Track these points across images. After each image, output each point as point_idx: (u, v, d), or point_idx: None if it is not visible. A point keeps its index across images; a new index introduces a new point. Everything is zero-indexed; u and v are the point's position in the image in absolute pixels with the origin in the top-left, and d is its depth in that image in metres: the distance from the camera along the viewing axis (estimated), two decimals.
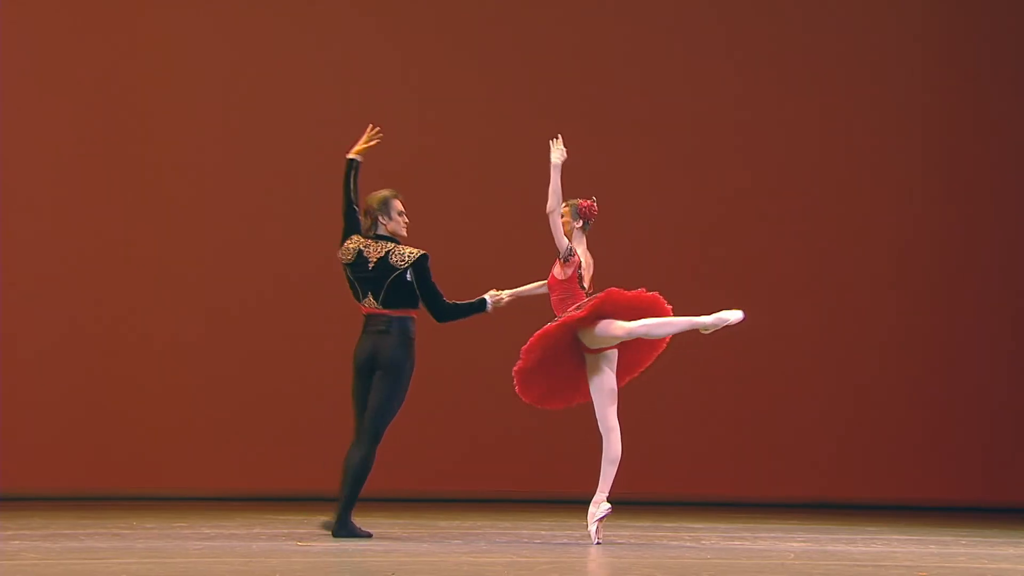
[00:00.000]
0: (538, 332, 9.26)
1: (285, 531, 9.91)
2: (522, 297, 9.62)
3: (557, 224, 9.33)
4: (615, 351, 9.36)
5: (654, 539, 9.96)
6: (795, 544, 9.63)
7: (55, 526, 10.10)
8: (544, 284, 9.56)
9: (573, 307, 9.29)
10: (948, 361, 14.80)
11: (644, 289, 9.35)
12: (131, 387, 14.12)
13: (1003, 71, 14.91)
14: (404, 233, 9.46)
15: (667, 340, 9.46)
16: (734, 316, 9.21)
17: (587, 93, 14.74)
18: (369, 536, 9.31)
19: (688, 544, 9.54)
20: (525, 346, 9.27)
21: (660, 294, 9.37)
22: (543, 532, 10.21)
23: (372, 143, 9.73)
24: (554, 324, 9.26)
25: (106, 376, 14.10)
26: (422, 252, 9.32)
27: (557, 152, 9.39)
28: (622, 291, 9.26)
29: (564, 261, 9.38)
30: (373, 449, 9.44)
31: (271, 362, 14.38)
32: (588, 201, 9.49)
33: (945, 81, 14.98)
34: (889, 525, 11.87)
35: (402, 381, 9.35)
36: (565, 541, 9.56)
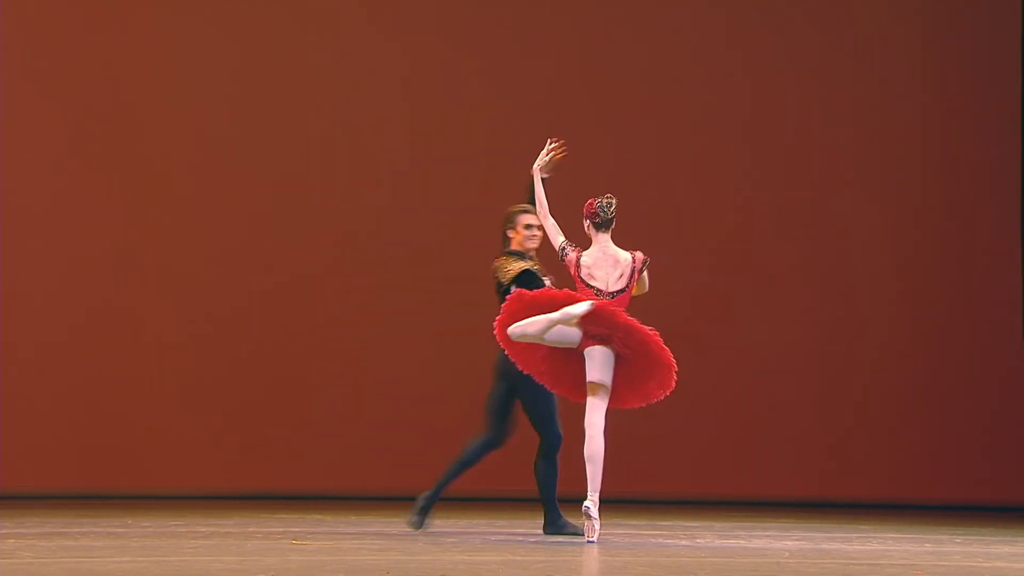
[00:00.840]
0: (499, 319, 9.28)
1: (281, 530, 9.90)
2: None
3: (547, 228, 9.35)
4: (606, 352, 9.27)
5: (649, 538, 9.95)
6: (791, 543, 9.63)
7: (51, 524, 10.09)
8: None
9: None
10: (944, 360, 14.80)
11: (551, 286, 9.36)
12: (126, 387, 14.11)
13: (999, 74, 14.90)
14: (531, 245, 9.59)
15: (670, 384, 9.39)
16: (579, 309, 9.17)
17: (587, 93, 14.74)
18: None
19: (684, 543, 9.54)
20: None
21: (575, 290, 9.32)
22: (538, 531, 10.20)
23: (557, 159, 9.60)
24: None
25: (101, 376, 14.09)
26: (520, 269, 9.45)
27: (537, 160, 9.45)
28: (525, 291, 9.29)
29: (560, 261, 9.39)
30: (546, 453, 9.62)
31: (267, 362, 14.38)
32: (591, 200, 9.47)
33: (943, 84, 14.98)
34: (885, 524, 11.87)
35: (533, 386, 9.45)
36: (560, 540, 9.55)
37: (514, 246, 9.60)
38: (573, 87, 14.74)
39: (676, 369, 9.17)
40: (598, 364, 9.21)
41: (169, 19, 14.38)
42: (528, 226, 9.56)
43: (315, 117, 14.55)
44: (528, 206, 9.58)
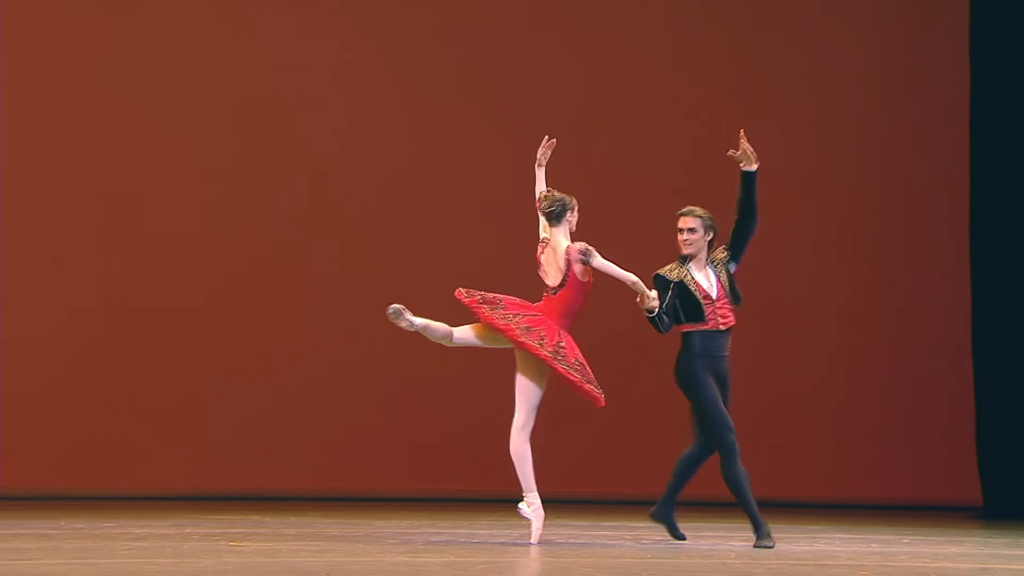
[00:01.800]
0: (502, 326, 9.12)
1: (218, 531, 9.77)
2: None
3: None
4: (531, 359, 9.17)
5: (594, 538, 9.88)
6: (737, 543, 9.59)
7: None
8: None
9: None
10: (891, 362, 14.83)
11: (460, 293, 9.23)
12: (53, 388, 13.96)
13: (945, 73, 14.91)
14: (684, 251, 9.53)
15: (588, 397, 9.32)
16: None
17: (585, 93, 14.71)
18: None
19: (628, 543, 9.48)
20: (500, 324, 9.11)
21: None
22: (481, 532, 10.13)
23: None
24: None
25: (32, 377, 13.93)
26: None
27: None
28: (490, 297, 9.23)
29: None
30: (720, 454, 9.55)
31: (209, 364, 14.26)
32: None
33: (894, 88, 15.02)
34: (832, 524, 11.87)
35: (688, 391, 9.51)
36: (503, 541, 9.48)
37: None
38: (569, 88, 14.69)
39: (576, 381, 9.03)
40: (530, 373, 9.15)
41: (165, 19, 14.34)
42: (679, 230, 9.40)
43: (324, 121, 14.52)
44: (689, 208, 9.40)
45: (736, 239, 9.49)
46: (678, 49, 14.91)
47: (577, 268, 9.14)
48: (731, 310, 9.41)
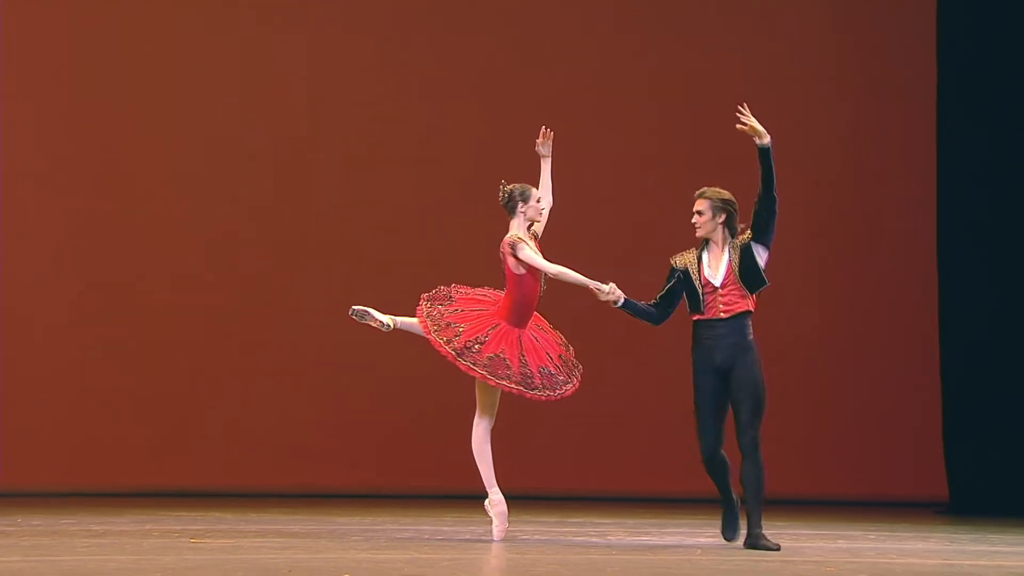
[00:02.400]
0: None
1: (179, 528, 9.68)
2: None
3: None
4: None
5: (559, 535, 9.84)
6: (703, 539, 9.57)
7: None
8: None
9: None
10: (854, 358, 14.81)
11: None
12: (4, 386, 13.86)
13: (911, 72, 14.91)
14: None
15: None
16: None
17: (579, 94, 14.65)
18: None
19: (594, 540, 9.44)
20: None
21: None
22: (445, 528, 10.07)
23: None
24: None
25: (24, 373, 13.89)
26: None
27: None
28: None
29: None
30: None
31: (164, 356, 14.17)
32: None
33: (858, 83, 15.01)
34: (798, 520, 11.86)
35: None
36: (468, 538, 9.42)
37: None
38: (563, 88, 14.62)
39: (480, 377, 9.01)
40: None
41: (164, 18, 14.26)
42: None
43: (324, 119, 14.46)
44: (701, 190, 9.22)
45: (756, 219, 9.13)
46: (634, 29, 14.89)
47: (509, 261, 9.09)
48: (742, 295, 9.10)
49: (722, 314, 9.02)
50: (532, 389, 9.08)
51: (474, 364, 8.99)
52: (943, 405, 14.10)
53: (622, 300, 9.03)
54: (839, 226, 14.94)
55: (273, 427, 14.18)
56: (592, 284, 8.98)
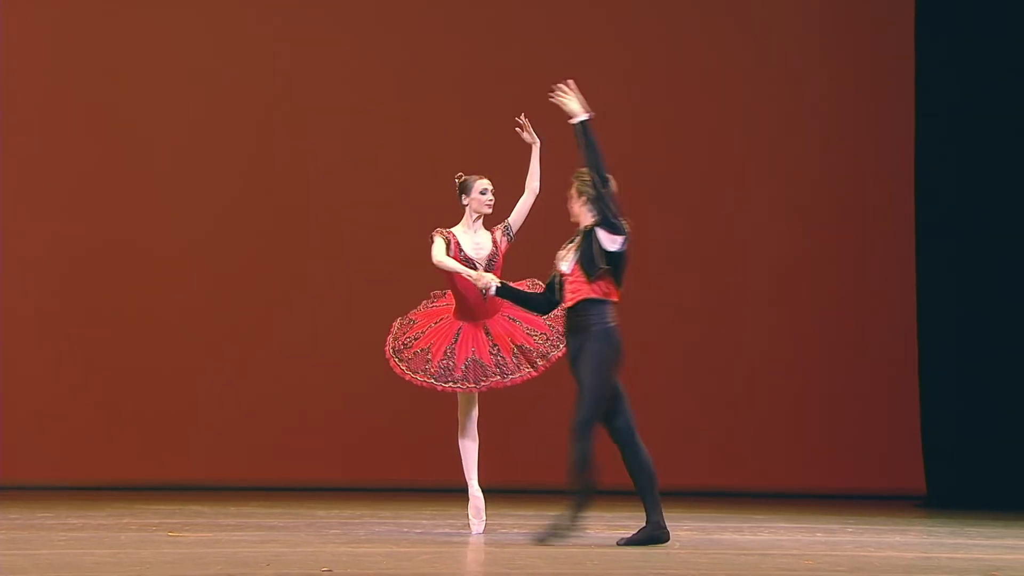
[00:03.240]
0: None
1: (157, 521, 9.65)
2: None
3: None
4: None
5: (538, 528, 9.80)
6: (682, 532, 9.54)
7: None
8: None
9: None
10: (833, 350, 14.80)
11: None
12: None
13: (889, 75, 14.89)
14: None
15: None
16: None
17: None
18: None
19: (573, 533, 9.38)
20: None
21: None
22: (424, 522, 10.06)
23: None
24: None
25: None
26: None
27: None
28: None
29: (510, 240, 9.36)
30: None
31: (142, 350, 14.12)
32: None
33: (837, 84, 14.99)
34: (776, 514, 11.85)
35: None
36: (447, 531, 9.40)
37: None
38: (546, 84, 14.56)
39: (399, 374, 9.21)
40: None
41: (164, 17, 14.17)
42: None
43: (326, 117, 14.38)
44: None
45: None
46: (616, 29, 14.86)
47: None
48: (584, 282, 8.57)
49: (568, 302, 8.66)
50: (447, 382, 9.13)
51: (399, 361, 9.19)
52: (921, 399, 14.11)
53: (493, 288, 8.93)
54: (814, 220, 14.93)
55: (252, 420, 14.13)
56: (465, 272, 9.07)
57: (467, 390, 9.22)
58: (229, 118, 14.30)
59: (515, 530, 9.58)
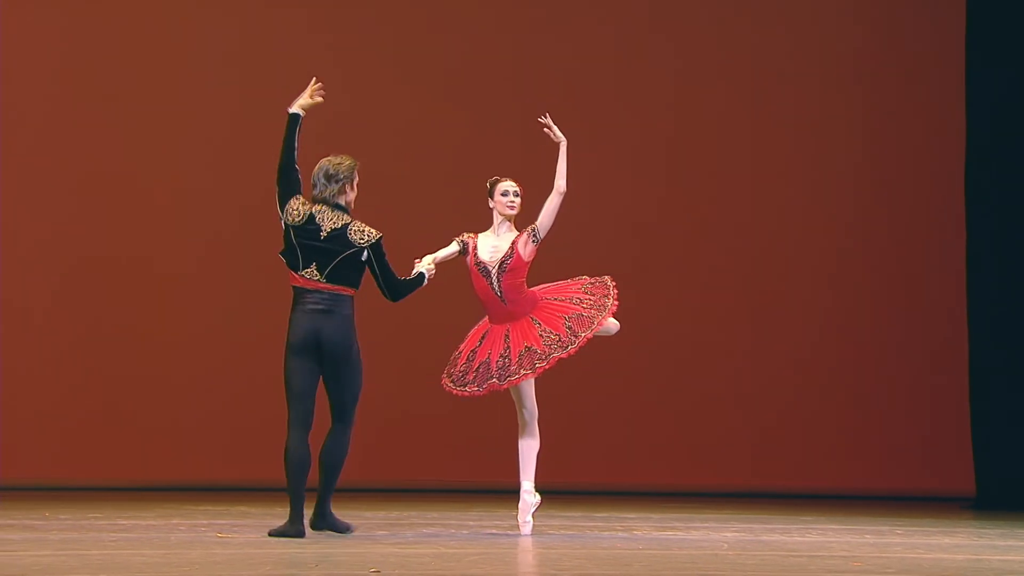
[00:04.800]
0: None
1: (205, 522, 9.69)
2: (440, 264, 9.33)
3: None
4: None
5: (585, 529, 9.82)
6: (729, 534, 9.52)
7: None
8: (455, 252, 9.34)
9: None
10: (883, 352, 14.75)
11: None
12: (33, 381, 13.85)
13: (940, 69, 14.82)
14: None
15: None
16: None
17: (576, 91, 14.60)
18: (349, 528, 8.91)
19: (620, 534, 9.41)
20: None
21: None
22: (471, 523, 10.06)
23: (316, 100, 9.33)
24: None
25: (13, 369, 13.84)
26: (380, 234, 8.84)
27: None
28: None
29: (535, 242, 9.26)
30: (349, 436, 9.03)
31: (183, 350, 14.17)
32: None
33: (885, 78, 14.92)
34: (825, 515, 11.81)
35: (358, 364, 8.81)
36: (493, 532, 9.41)
37: (346, 202, 8.90)
38: (556, 84, 14.57)
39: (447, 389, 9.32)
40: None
41: (164, 15, 14.21)
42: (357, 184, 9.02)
43: (322, 114, 14.32)
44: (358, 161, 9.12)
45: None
46: (654, 27, 14.82)
47: None
48: None
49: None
50: (463, 386, 9.22)
51: (453, 384, 9.36)
52: (971, 399, 14.03)
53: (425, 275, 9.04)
54: (864, 218, 14.87)
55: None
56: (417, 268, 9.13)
57: (473, 394, 9.26)
58: (230, 118, 14.25)
59: (563, 531, 9.58)
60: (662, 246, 14.72)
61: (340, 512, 9.11)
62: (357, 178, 8.96)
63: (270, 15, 14.51)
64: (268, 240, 14.33)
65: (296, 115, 9.07)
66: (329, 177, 8.85)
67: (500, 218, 9.36)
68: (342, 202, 8.85)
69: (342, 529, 8.86)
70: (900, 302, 14.80)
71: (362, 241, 8.75)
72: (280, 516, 9.95)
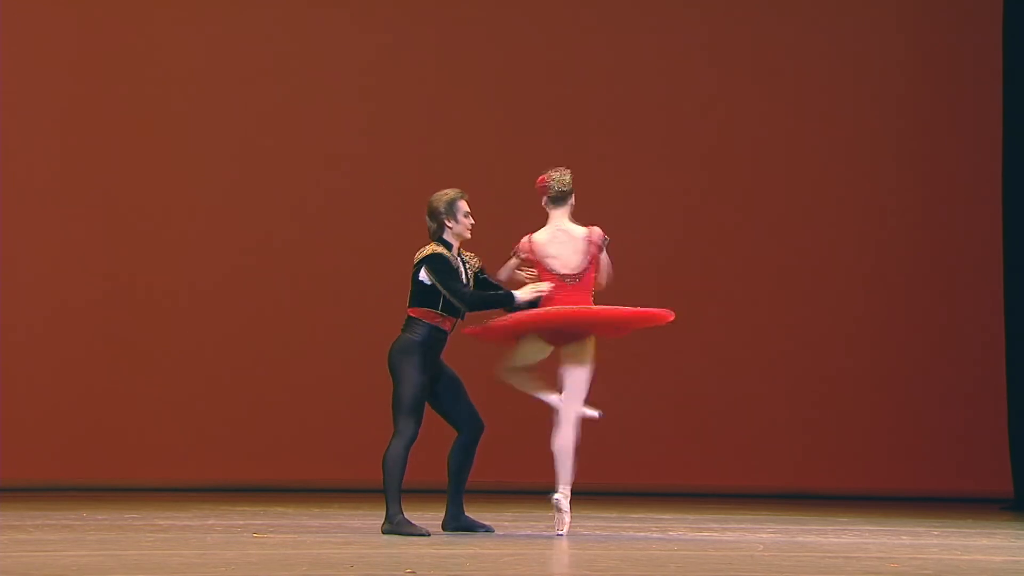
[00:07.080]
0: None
1: (241, 523, 9.72)
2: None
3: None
4: (581, 346, 9.19)
5: (620, 530, 9.81)
6: (765, 535, 9.50)
7: (3, 518, 9.86)
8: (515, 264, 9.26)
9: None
10: (919, 352, 14.70)
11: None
12: (66, 379, 13.88)
13: (977, 69, 14.76)
14: (468, 236, 9.01)
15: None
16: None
17: (563, 90, 14.58)
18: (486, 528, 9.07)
19: (655, 535, 9.40)
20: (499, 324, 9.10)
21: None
22: (506, 523, 10.05)
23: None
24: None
25: (48, 367, 13.88)
26: (435, 251, 8.88)
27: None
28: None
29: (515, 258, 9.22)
30: (394, 442, 9.20)
31: (226, 352, 14.19)
32: (542, 175, 9.24)
33: (921, 77, 14.87)
34: (861, 516, 11.78)
35: (399, 378, 9.02)
36: (529, 532, 9.41)
37: (453, 235, 8.94)
38: (558, 82, 14.57)
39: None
40: (572, 358, 9.06)
41: (164, 15, 14.21)
42: (467, 214, 8.92)
43: (331, 114, 14.44)
44: (463, 192, 9.03)
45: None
46: (698, 40, 14.79)
47: None
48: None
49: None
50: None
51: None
52: (1009, 399, 13.97)
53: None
54: (900, 219, 14.83)
55: (334, 421, 14.18)
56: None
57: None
58: (231, 118, 14.26)
59: (597, 531, 9.57)
60: (704, 246, 14.68)
61: (370, 513, 9.13)
62: (461, 209, 8.95)
63: (297, 20, 14.50)
64: (276, 240, 14.45)
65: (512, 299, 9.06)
66: (431, 215, 8.99)
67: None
68: (449, 237, 8.95)
69: (477, 528, 9.06)
70: (936, 303, 14.75)
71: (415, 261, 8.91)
72: (315, 516, 9.99)
